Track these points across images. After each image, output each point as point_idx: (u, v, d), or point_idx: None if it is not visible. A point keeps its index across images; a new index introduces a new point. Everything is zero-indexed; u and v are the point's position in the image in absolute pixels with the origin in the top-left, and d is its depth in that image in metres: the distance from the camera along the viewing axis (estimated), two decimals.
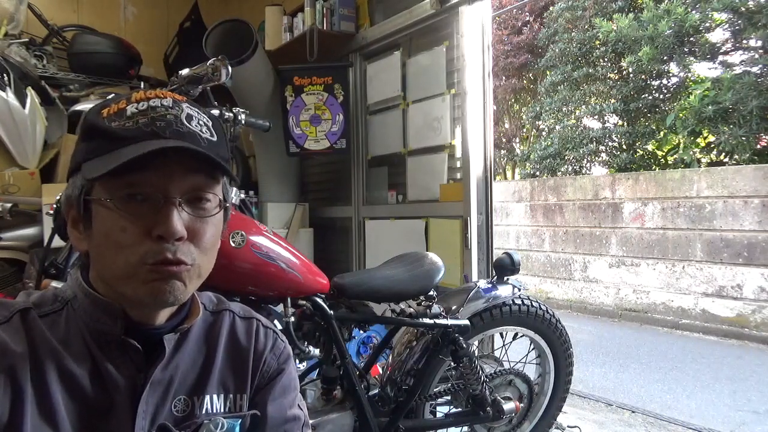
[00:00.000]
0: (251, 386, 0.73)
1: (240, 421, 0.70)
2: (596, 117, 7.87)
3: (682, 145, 6.82)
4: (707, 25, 6.36)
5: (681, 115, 6.43)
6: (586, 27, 7.78)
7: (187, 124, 0.63)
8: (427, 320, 1.68)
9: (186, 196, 0.62)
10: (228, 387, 0.71)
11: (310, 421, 1.54)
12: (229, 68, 1.54)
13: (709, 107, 5.82)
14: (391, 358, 1.81)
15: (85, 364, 0.62)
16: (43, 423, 0.57)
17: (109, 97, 0.67)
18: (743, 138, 5.65)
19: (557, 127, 8.36)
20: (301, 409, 0.77)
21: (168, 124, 0.61)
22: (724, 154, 6.23)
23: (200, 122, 0.65)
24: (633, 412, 3.00)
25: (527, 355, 2.03)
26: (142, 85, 3.53)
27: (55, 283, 1.55)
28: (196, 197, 0.63)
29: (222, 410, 0.69)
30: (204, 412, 0.68)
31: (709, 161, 6.53)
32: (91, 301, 0.64)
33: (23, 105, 2.91)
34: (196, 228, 0.63)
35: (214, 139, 0.65)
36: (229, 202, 0.69)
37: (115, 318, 0.63)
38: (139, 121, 0.61)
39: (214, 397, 0.69)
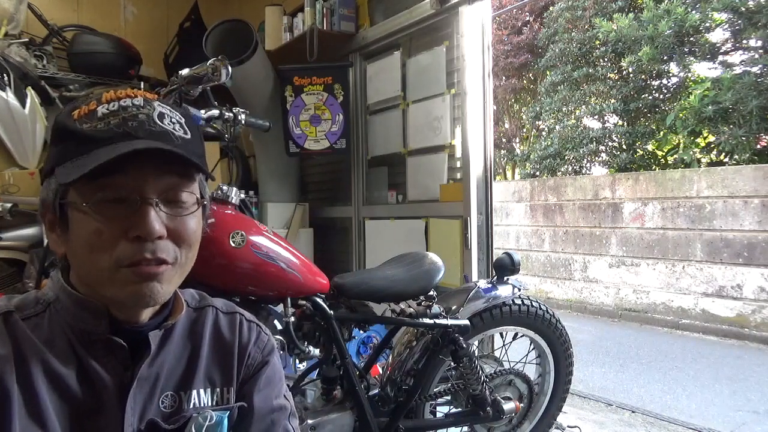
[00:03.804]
0: (237, 379, 0.73)
1: (228, 413, 0.70)
2: (596, 117, 7.87)
3: (682, 145, 6.82)
4: (707, 25, 6.36)
5: (681, 115, 6.43)
6: (586, 27, 7.78)
7: (160, 123, 0.62)
8: (427, 320, 1.68)
9: (162, 196, 0.62)
10: (214, 381, 0.71)
11: (310, 421, 1.55)
12: (229, 68, 1.54)
13: (709, 107, 5.82)
14: (391, 358, 1.81)
15: (71, 364, 0.62)
16: (31, 423, 0.57)
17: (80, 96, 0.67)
18: (743, 138, 5.65)
19: (557, 127, 8.36)
20: (287, 399, 0.78)
21: (140, 124, 0.61)
22: (724, 154, 6.23)
23: (173, 120, 0.64)
24: (633, 412, 3.00)
25: (527, 355, 2.03)
26: (141, 85, 3.53)
27: None
28: (172, 196, 0.63)
29: (209, 404, 0.70)
30: (192, 406, 0.68)
31: (709, 161, 6.53)
32: (74, 302, 0.64)
33: (23, 105, 2.91)
34: (175, 226, 0.63)
35: (188, 136, 0.64)
36: (206, 199, 0.69)
37: (100, 317, 0.63)
38: (111, 121, 0.60)
39: (201, 391, 0.70)
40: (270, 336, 0.80)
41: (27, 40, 3.37)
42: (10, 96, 2.85)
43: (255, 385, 0.74)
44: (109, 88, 0.66)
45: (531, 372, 2.01)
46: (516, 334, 1.95)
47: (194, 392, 0.69)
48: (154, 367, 0.66)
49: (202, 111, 1.64)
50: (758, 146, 5.99)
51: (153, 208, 0.60)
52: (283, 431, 0.75)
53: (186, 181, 0.64)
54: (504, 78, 10.25)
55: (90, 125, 0.61)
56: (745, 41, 6.35)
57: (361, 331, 2.12)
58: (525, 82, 10.63)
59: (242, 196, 1.62)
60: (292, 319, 1.56)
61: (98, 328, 0.63)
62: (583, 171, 7.96)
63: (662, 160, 7.36)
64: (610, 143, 7.75)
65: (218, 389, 0.71)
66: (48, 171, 0.64)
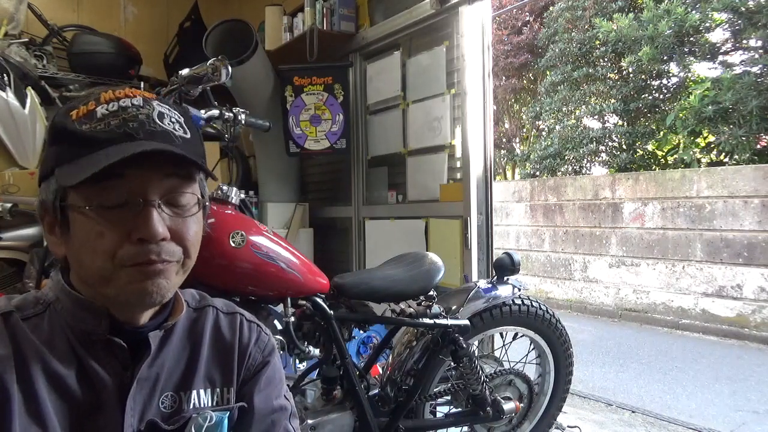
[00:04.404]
0: (237, 379, 0.73)
1: (228, 413, 0.70)
2: (596, 117, 7.87)
3: (682, 145, 6.82)
4: (707, 25, 6.36)
5: (681, 115, 6.43)
6: (586, 27, 7.78)
7: (160, 123, 0.62)
8: (427, 320, 1.68)
9: (164, 198, 0.62)
10: (214, 381, 0.71)
11: (310, 421, 1.55)
12: (229, 68, 1.54)
13: (709, 107, 5.82)
14: (391, 358, 1.81)
15: (71, 364, 0.62)
16: (31, 424, 0.57)
17: (79, 95, 0.66)
18: (743, 138, 5.64)
19: (557, 127, 8.36)
20: (288, 400, 0.78)
21: (141, 125, 0.61)
22: (724, 154, 6.23)
23: (172, 119, 0.64)
24: (633, 412, 3.00)
25: (527, 355, 2.03)
26: (141, 85, 3.52)
27: None
28: (174, 198, 0.63)
29: (209, 404, 0.70)
30: (192, 407, 0.68)
31: (709, 161, 6.53)
32: (74, 302, 0.64)
33: (23, 105, 2.91)
34: (177, 227, 0.63)
35: (188, 136, 0.64)
36: (206, 199, 0.69)
37: (100, 317, 0.63)
38: (111, 122, 0.60)
39: (201, 392, 0.70)
40: (270, 336, 0.80)
41: (27, 40, 3.37)
42: (10, 96, 2.85)
43: (255, 385, 0.74)
44: (108, 88, 0.65)
45: (531, 372, 2.01)
46: (516, 334, 1.95)
47: (194, 392, 0.69)
48: (154, 368, 0.66)
49: (202, 111, 1.64)
50: (758, 146, 5.99)
51: (156, 210, 0.60)
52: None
53: (187, 182, 0.64)
54: (504, 78, 10.25)
55: (89, 126, 0.60)
56: (745, 41, 6.35)
57: (361, 331, 2.13)
58: (525, 82, 10.63)
59: (242, 196, 1.62)
60: (292, 319, 1.56)
61: (98, 328, 0.63)
62: (583, 171, 7.97)
63: (662, 160, 7.36)
64: (610, 143, 7.75)
65: (218, 389, 0.71)
66: (46, 172, 0.63)
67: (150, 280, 0.61)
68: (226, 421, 0.70)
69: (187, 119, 0.66)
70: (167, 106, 0.65)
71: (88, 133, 0.60)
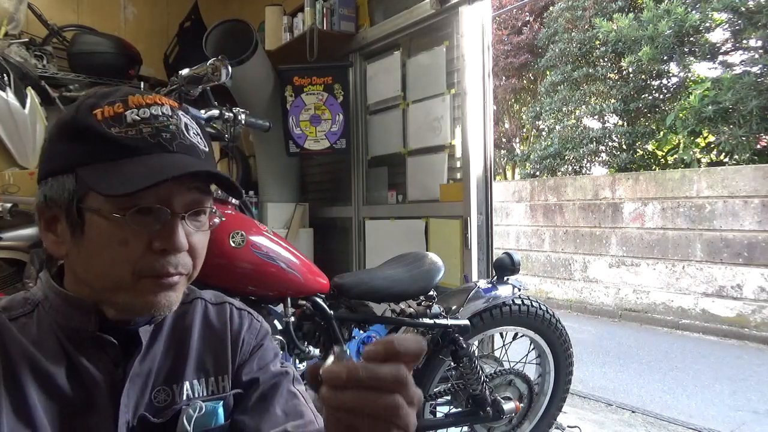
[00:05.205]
0: (233, 366, 0.73)
1: (222, 402, 0.70)
2: (596, 117, 7.87)
3: (682, 145, 6.82)
4: (707, 25, 6.36)
5: (681, 115, 6.44)
6: (586, 27, 7.78)
7: (188, 136, 0.63)
8: (427, 320, 1.69)
9: (187, 211, 0.63)
10: (207, 370, 0.71)
11: None
12: (229, 68, 1.55)
13: (709, 107, 5.82)
14: None
15: (61, 363, 0.62)
16: (19, 425, 0.57)
17: (93, 92, 0.64)
18: (743, 138, 5.65)
19: (557, 127, 8.36)
20: (287, 367, 0.77)
21: (173, 136, 0.61)
22: (724, 154, 6.24)
23: (195, 131, 0.65)
24: (633, 412, 3.00)
25: (527, 355, 2.03)
26: (141, 86, 3.52)
27: None
28: (195, 211, 0.64)
29: (204, 394, 0.70)
30: (185, 398, 0.68)
31: (709, 161, 6.53)
32: (63, 300, 0.64)
33: (23, 105, 2.91)
34: (193, 240, 0.64)
35: (207, 149, 0.65)
36: (216, 213, 0.69)
37: (89, 315, 0.63)
38: (143, 130, 0.59)
39: (194, 382, 0.70)
40: (263, 322, 0.80)
41: (27, 40, 3.37)
42: (10, 96, 2.85)
43: (252, 364, 0.74)
44: (135, 92, 0.63)
45: (531, 372, 2.01)
46: (516, 334, 1.95)
47: (186, 384, 0.69)
48: (145, 363, 0.66)
49: (202, 111, 1.64)
50: (758, 146, 5.99)
51: (181, 221, 0.61)
52: (288, 393, 0.73)
53: (207, 197, 0.65)
54: (504, 78, 10.25)
55: (119, 130, 0.59)
56: (745, 41, 6.35)
57: (361, 331, 2.12)
58: (525, 82, 10.63)
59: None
60: (292, 319, 1.56)
61: (87, 325, 0.63)
62: (583, 171, 7.97)
63: (662, 160, 7.37)
64: (610, 143, 7.75)
65: (212, 378, 0.71)
66: (61, 168, 0.61)
67: (164, 293, 0.61)
68: (220, 410, 0.69)
69: (202, 128, 0.67)
70: (188, 116, 0.65)
71: (119, 138, 0.59)
